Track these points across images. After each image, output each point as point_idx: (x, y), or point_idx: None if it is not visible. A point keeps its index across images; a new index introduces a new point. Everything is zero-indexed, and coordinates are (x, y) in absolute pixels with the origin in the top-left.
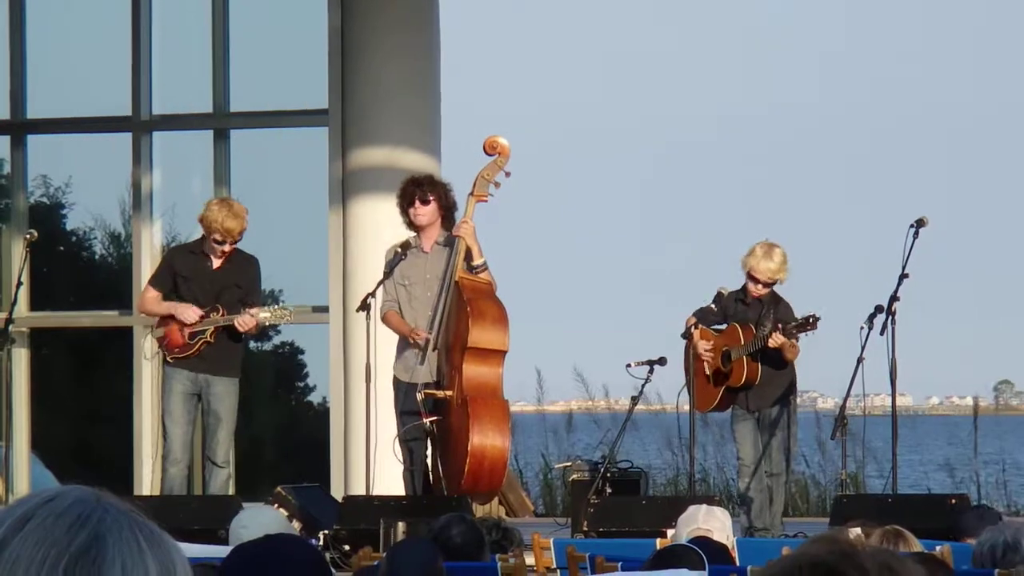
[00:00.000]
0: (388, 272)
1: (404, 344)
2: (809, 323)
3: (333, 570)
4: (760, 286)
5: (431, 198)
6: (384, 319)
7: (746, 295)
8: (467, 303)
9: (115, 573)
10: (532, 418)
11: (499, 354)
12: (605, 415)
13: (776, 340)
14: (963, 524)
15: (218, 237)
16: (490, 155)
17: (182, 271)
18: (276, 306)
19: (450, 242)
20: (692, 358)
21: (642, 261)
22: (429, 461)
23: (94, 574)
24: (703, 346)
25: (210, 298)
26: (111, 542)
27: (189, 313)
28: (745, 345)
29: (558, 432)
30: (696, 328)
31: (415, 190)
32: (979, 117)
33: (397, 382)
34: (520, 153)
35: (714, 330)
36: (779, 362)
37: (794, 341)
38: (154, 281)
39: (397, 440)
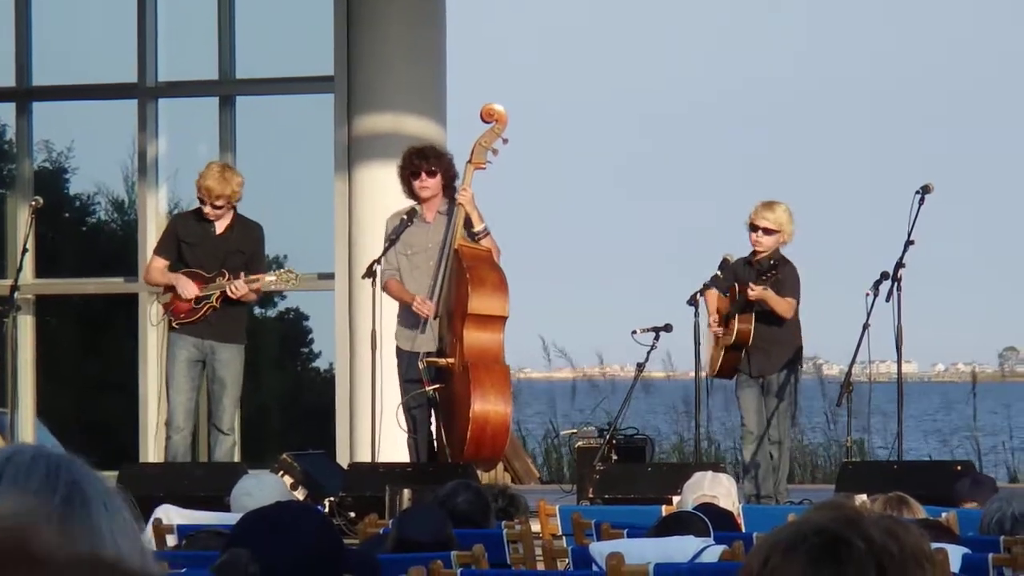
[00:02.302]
0: (394, 239)
1: (405, 313)
2: (771, 268)
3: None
4: (762, 234)
5: (436, 170)
6: (385, 288)
7: (753, 257)
8: (467, 270)
9: (99, 511)
10: (539, 385)
11: (499, 320)
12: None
13: (753, 291)
14: (957, 490)
15: (200, 196)
16: (487, 122)
17: (186, 238)
18: (281, 270)
19: (451, 211)
20: (698, 324)
21: (648, 228)
22: (433, 429)
23: (84, 518)
24: (712, 321)
25: (215, 264)
26: (86, 486)
27: (188, 290)
28: (736, 303)
29: (559, 400)
30: (702, 295)
31: (421, 162)
32: (983, 81)
33: (400, 351)
34: (517, 122)
35: (724, 296)
36: (774, 319)
37: (766, 288)
38: (159, 250)
39: (401, 408)
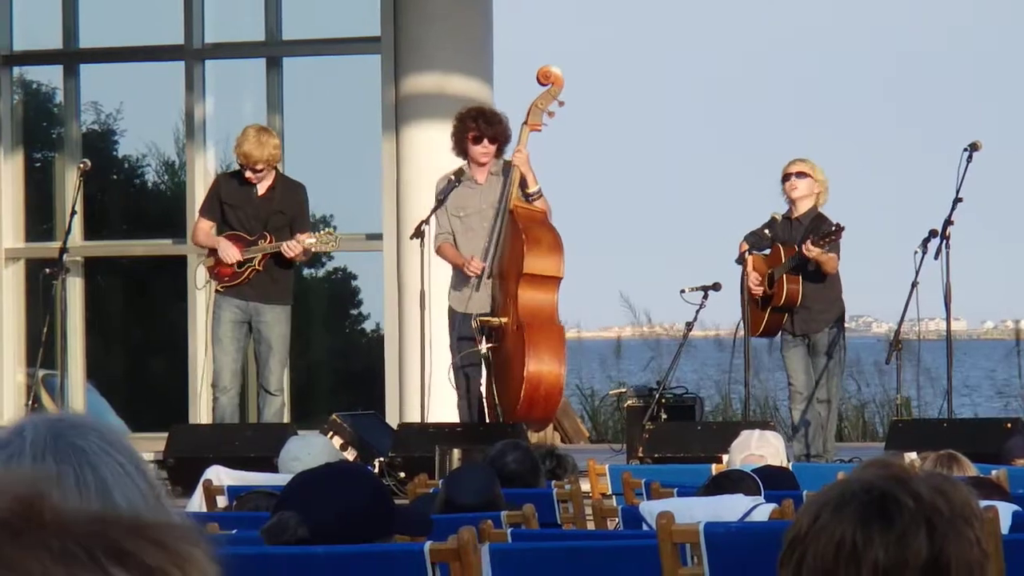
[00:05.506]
0: (441, 200)
1: (458, 275)
2: (833, 233)
3: None
4: (795, 179)
5: (496, 136)
6: (438, 251)
7: (791, 214)
8: (522, 231)
9: (105, 471)
10: (585, 344)
11: (554, 280)
12: (657, 341)
13: (809, 250)
14: (1008, 448)
15: (240, 161)
16: (544, 85)
17: (228, 199)
18: (322, 231)
19: (503, 171)
20: (744, 284)
21: (692, 189)
22: (484, 389)
23: (91, 478)
24: (754, 279)
25: (257, 225)
26: (87, 446)
27: (229, 253)
28: (785, 262)
29: (607, 359)
30: (750, 255)
31: (485, 127)
32: None
33: (452, 312)
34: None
35: (763, 255)
36: (820, 277)
37: (824, 251)
38: (204, 211)
39: (452, 368)
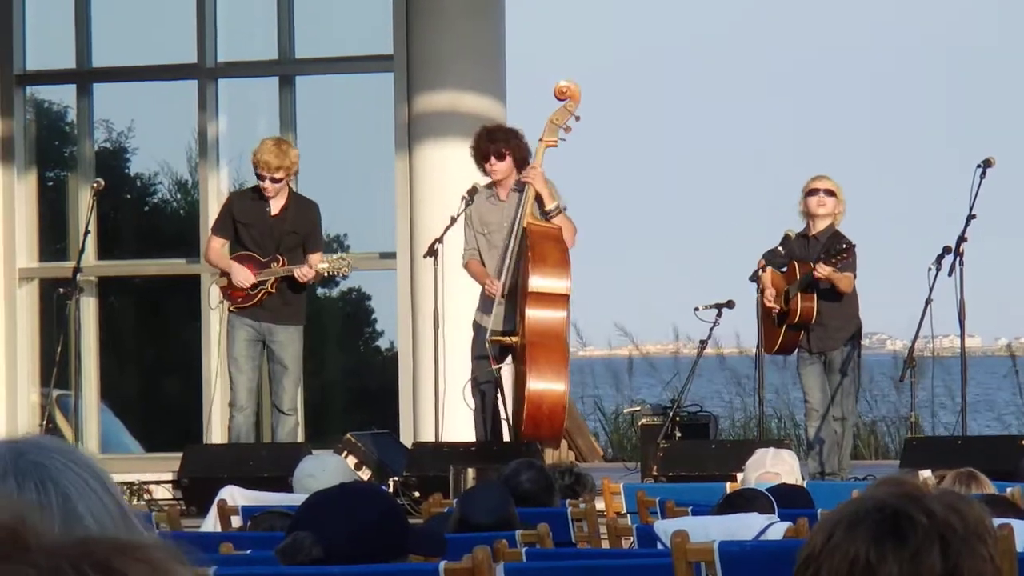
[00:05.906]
0: (455, 217)
1: (482, 292)
2: (843, 252)
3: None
4: (823, 195)
5: (506, 152)
6: (466, 268)
7: (808, 232)
8: (530, 248)
9: (70, 490)
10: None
11: (560, 298)
12: (675, 359)
13: (821, 270)
14: (1021, 469)
15: (259, 171)
16: (560, 100)
17: (241, 217)
18: (335, 256)
19: (521, 188)
20: (760, 301)
21: (706, 205)
22: (502, 408)
23: (57, 499)
24: (768, 295)
25: (270, 245)
26: (51, 465)
27: (242, 277)
28: (799, 280)
29: (620, 376)
30: (764, 271)
31: (489, 145)
32: None
33: (476, 326)
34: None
35: (780, 272)
36: (834, 296)
37: (836, 269)
38: (216, 228)
39: (470, 385)
